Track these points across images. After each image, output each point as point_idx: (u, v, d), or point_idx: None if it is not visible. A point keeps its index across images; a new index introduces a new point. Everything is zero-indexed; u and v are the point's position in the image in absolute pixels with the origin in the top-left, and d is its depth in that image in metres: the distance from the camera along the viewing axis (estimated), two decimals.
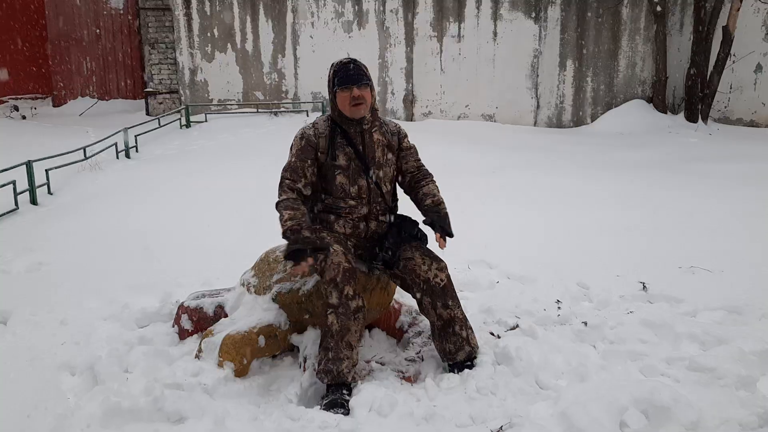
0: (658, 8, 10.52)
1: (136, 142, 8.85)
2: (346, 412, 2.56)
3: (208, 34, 11.34)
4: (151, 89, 12.25)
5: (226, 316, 3.19)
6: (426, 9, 11.12)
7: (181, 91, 11.49)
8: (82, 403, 2.59)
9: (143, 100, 12.73)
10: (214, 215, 5.63)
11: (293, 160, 2.93)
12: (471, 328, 3.00)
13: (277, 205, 2.85)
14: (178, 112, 10.51)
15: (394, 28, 11.23)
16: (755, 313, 3.55)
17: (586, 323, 3.40)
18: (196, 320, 3.24)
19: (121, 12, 14.02)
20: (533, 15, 11.05)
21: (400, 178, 3.18)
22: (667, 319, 3.46)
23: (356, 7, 11.17)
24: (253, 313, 3.01)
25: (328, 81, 2.96)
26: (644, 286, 3.98)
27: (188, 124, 10.41)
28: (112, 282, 4.01)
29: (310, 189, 2.95)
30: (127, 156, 8.54)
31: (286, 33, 11.32)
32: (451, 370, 2.91)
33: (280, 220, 2.78)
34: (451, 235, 2.99)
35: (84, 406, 2.55)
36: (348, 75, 2.86)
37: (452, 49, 11.25)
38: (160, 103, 11.92)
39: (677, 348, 3.15)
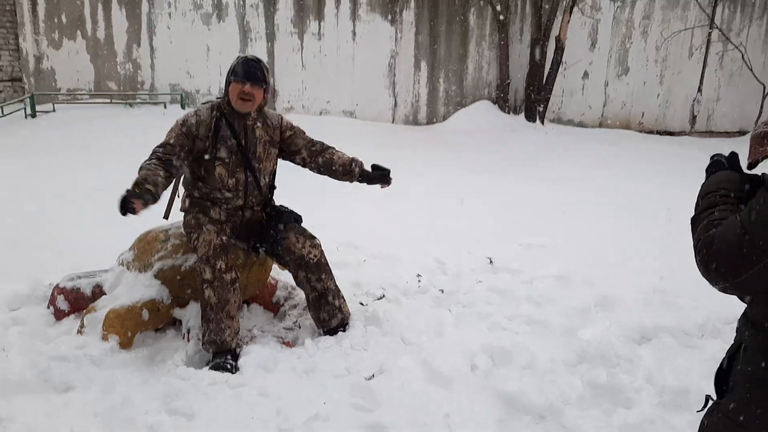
0: (501, 17, 11.50)
1: None
2: (233, 373, 2.77)
3: (55, 20, 10.71)
4: None
5: (103, 295, 3.26)
6: (287, 5, 11.30)
7: (25, 79, 10.75)
8: None
9: None
10: (73, 207, 5.47)
11: (171, 141, 2.97)
12: (343, 297, 3.31)
13: (139, 168, 2.81)
14: (22, 101, 9.86)
15: (254, 23, 11.29)
16: (579, 279, 4.17)
17: (442, 291, 3.86)
18: (72, 300, 3.27)
19: None
20: (389, 17, 11.62)
21: (297, 159, 3.29)
22: (510, 286, 4.00)
23: (215, 0, 11.10)
24: (135, 289, 3.12)
25: (229, 70, 3.05)
26: (491, 261, 4.52)
27: (33, 114, 9.80)
28: None
29: (179, 170, 3.00)
30: None
31: (141, 22, 10.98)
32: (327, 335, 3.21)
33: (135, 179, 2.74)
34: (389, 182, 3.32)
35: None
36: (247, 70, 2.98)
37: (313, 46, 11.52)
38: (0, 92, 11.05)
39: (517, 308, 3.67)
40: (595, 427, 2.53)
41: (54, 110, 10.00)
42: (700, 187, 1.40)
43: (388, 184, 3.32)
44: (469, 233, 5.20)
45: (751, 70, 11.45)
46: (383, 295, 3.76)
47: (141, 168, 2.81)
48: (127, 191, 2.60)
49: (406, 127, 11.79)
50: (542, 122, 11.79)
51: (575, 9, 11.32)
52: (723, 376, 1.36)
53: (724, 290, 1.21)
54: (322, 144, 3.35)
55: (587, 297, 3.77)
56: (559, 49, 11.43)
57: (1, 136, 8.55)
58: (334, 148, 3.36)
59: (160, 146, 2.98)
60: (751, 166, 1.26)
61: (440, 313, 3.54)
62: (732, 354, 1.34)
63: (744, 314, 1.29)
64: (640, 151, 10.03)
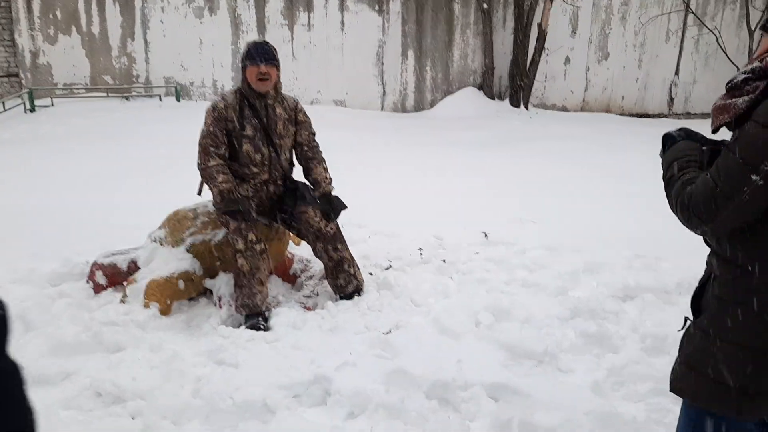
0: (485, 5, 11.83)
1: None
2: (266, 331, 3.11)
3: (50, 16, 10.88)
4: None
5: (138, 269, 3.56)
6: None
7: (22, 75, 10.94)
8: (23, 342, 2.87)
9: None
10: (89, 194, 5.75)
11: (211, 129, 3.33)
12: (357, 266, 3.66)
13: (207, 168, 3.29)
14: (20, 96, 10.06)
15: (245, 15, 11.52)
16: (566, 249, 4.54)
17: (444, 261, 4.21)
18: (110, 275, 3.56)
19: None
20: (377, 7, 11.90)
21: (296, 148, 3.68)
22: (504, 256, 4.36)
23: None
24: (170, 262, 3.43)
25: (242, 57, 3.41)
26: (485, 235, 4.87)
27: (33, 109, 10.00)
28: (7, 251, 4.13)
29: (227, 154, 3.39)
30: None
31: (135, 17, 11.18)
32: (344, 300, 3.55)
33: (213, 182, 3.25)
34: (336, 216, 3.55)
35: (26, 345, 2.84)
36: (258, 53, 3.33)
37: (303, 37, 11.78)
38: None
39: (513, 274, 4.02)
40: (587, 369, 2.90)
41: (52, 104, 10.21)
42: (663, 156, 1.73)
43: (329, 219, 3.53)
44: (463, 211, 5.54)
45: (726, 53, 11.89)
46: (390, 266, 4.10)
47: (214, 170, 3.28)
48: (241, 205, 3.23)
49: (395, 115, 12.12)
50: (526, 107, 12.17)
51: None
52: (697, 300, 1.70)
53: (704, 233, 1.55)
54: (316, 152, 3.66)
55: (576, 263, 4.14)
56: (542, 36, 11.80)
57: (4, 129, 8.77)
58: (323, 163, 3.66)
59: (205, 137, 3.32)
60: (714, 131, 1.60)
61: (443, 280, 3.90)
62: (703, 282, 1.68)
63: (712, 251, 1.63)
64: (620, 133, 10.45)
